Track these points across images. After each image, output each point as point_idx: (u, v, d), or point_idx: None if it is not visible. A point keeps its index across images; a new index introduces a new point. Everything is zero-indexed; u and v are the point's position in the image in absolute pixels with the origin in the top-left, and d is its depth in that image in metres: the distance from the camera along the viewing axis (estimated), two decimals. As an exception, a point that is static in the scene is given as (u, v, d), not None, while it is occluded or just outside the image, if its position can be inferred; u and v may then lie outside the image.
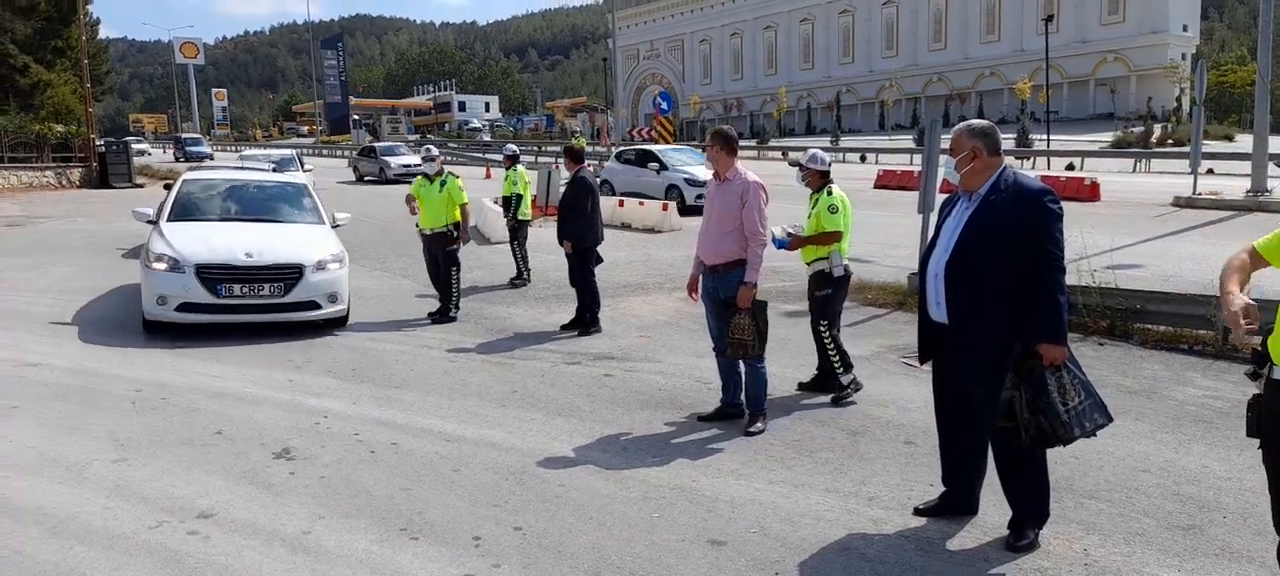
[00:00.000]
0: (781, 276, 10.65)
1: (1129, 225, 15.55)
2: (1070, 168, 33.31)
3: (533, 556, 3.66)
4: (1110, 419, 3.69)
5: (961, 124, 3.94)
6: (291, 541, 3.78)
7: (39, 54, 35.44)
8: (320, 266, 8.16)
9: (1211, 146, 37.51)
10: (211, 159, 45.07)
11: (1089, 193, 21.88)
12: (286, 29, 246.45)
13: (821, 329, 6.28)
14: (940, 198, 4.96)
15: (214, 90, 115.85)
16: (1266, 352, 2.83)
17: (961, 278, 3.79)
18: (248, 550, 3.67)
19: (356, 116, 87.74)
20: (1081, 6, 69.32)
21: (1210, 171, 31.32)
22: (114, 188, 28.06)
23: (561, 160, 10.49)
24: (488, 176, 31.44)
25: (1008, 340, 3.67)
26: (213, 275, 7.80)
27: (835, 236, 6.22)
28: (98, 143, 31.03)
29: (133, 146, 35.68)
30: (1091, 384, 3.69)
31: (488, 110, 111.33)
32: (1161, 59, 65.49)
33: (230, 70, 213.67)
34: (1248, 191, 18.86)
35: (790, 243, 6.18)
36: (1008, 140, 45.21)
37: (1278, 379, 2.78)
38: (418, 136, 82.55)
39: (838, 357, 6.18)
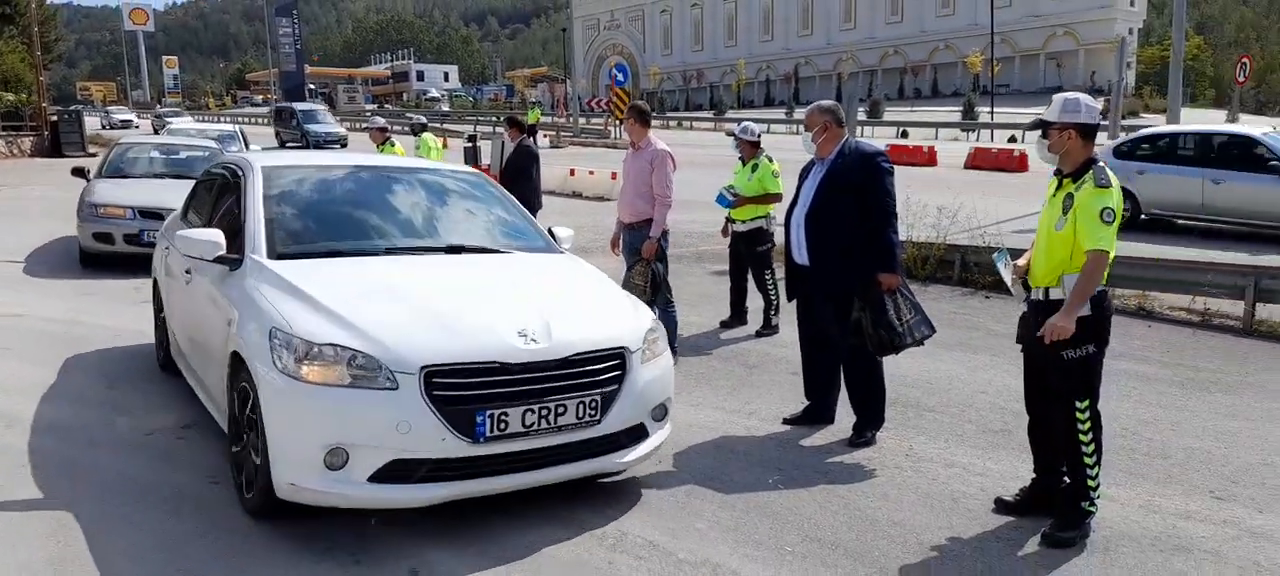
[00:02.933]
0: (716, 240, 11.52)
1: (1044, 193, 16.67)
2: (1012, 140, 34.58)
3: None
4: (934, 330, 4.62)
5: (813, 104, 4.80)
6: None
7: (-13, 21, 34.97)
8: (648, 351, 3.97)
9: (1152, 119, 39.12)
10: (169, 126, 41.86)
11: (1018, 164, 23.13)
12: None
13: (768, 276, 7.22)
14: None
15: (164, 58, 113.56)
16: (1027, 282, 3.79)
17: (818, 227, 4.66)
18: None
19: (312, 86, 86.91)
20: (1033, -20, 70.96)
21: (1142, 144, 32.67)
22: (67, 156, 28.09)
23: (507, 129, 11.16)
24: (444, 146, 31.85)
25: (853, 274, 4.55)
26: (465, 389, 3.47)
27: (777, 197, 7.16)
28: (49, 111, 30.93)
29: (170, 122, 27.05)
30: (919, 304, 4.61)
31: (447, 79, 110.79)
32: (1108, 33, 67.34)
33: (181, 37, 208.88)
34: (1160, 162, 20.15)
35: (735, 201, 7.08)
36: (955, 113, 46.68)
37: (1034, 299, 3.73)
38: (375, 105, 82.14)
39: (776, 300, 7.16)
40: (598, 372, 3.70)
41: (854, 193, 4.56)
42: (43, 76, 32.18)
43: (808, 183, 4.77)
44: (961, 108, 47.86)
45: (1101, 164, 3.62)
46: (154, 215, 9.10)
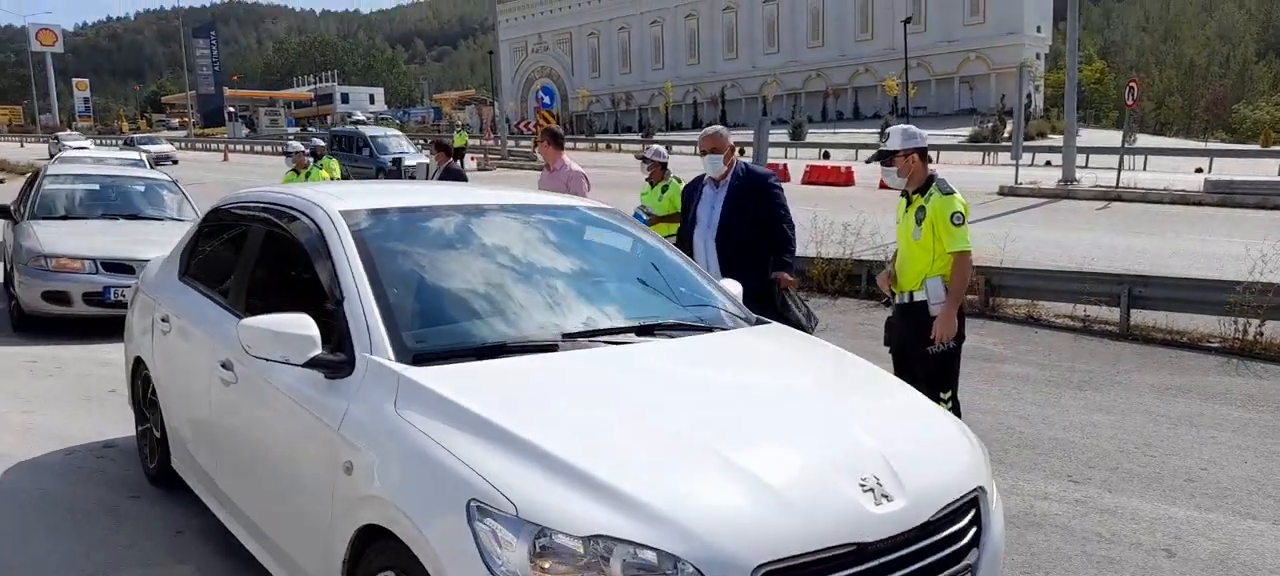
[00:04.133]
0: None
1: (954, 211, 17.57)
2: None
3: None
4: (817, 321, 4.97)
5: (714, 129, 5.12)
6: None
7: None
8: (993, 486, 2.77)
9: (1056, 140, 41.13)
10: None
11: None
12: (154, 16, 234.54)
13: None
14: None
15: (75, 80, 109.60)
16: (892, 289, 4.24)
17: (726, 244, 4.96)
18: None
19: (232, 108, 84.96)
20: (946, 8, 73.85)
21: (1048, 163, 34.46)
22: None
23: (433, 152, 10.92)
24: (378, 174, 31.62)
25: (764, 280, 4.86)
26: None
27: None
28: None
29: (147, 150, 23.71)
30: (803, 301, 5.01)
31: (372, 102, 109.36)
32: (1017, 58, 70.35)
33: (92, 59, 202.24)
34: (1059, 182, 21.35)
35: (650, 220, 7.44)
36: (874, 135, 48.21)
37: (900, 303, 4.16)
38: (298, 128, 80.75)
39: None
40: (959, 536, 2.46)
41: (756, 208, 4.91)
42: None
43: (704, 203, 5.07)
44: (879, 130, 49.49)
45: (941, 176, 4.18)
46: (122, 268, 7.46)
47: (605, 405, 2.51)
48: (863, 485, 2.27)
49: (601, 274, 3.45)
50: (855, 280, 10.19)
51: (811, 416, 2.65)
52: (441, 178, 9.67)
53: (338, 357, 2.70)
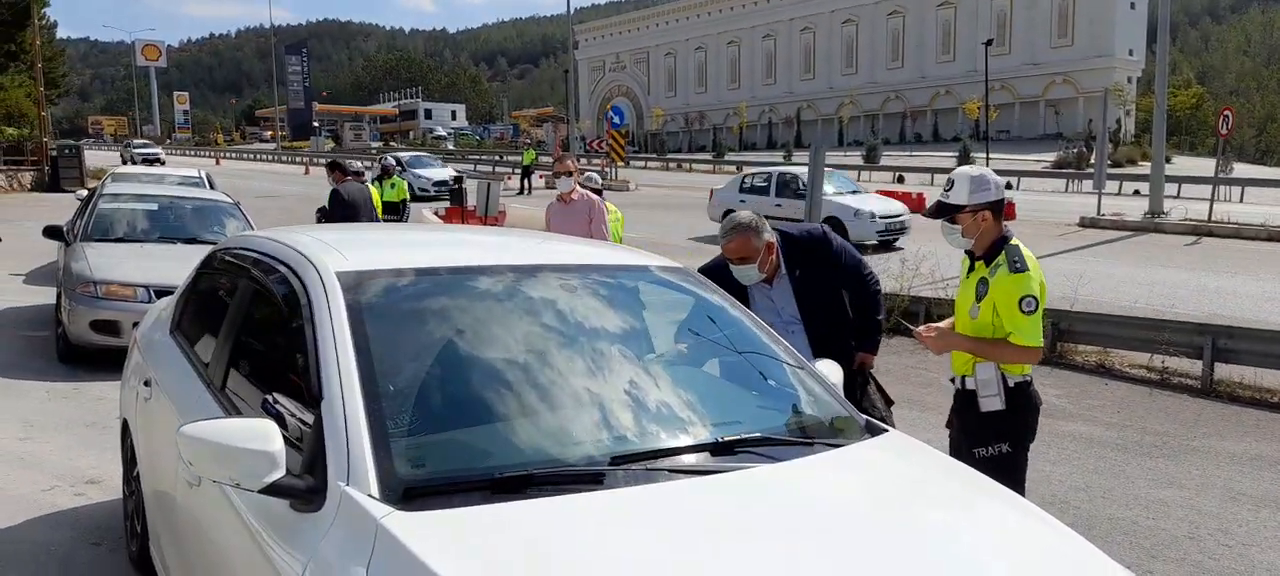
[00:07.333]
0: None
1: (1029, 244, 16.63)
2: (1008, 187, 34.64)
3: None
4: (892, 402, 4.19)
5: (739, 229, 3.77)
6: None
7: (-8, 57, 35.48)
8: None
9: (1145, 168, 39.20)
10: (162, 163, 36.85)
11: (1007, 212, 23.08)
12: (253, 32, 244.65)
13: None
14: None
15: (176, 94, 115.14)
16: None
17: (813, 334, 3.90)
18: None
19: (317, 122, 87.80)
20: (1032, 28, 71.50)
21: (1136, 192, 32.79)
22: (66, 191, 28.33)
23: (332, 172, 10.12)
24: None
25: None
26: None
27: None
28: (50, 145, 31.26)
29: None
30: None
31: (454, 118, 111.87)
32: (1107, 82, 67.55)
33: (194, 73, 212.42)
34: (1145, 213, 20.12)
35: None
36: (952, 159, 46.81)
37: (955, 387, 3.50)
38: (381, 143, 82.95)
39: None
40: None
41: (828, 284, 3.88)
42: (45, 111, 32.60)
43: (758, 302, 3.84)
44: (958, 154, 48.00)
45: (1015, 242, 3.27)
46: None
47: None
48: None
49: (668, 359, 2.71)
50: (912, 317, 9.57)
51: None
52: (331, 197, 9.24)
53: (305, 482, 1.97)
